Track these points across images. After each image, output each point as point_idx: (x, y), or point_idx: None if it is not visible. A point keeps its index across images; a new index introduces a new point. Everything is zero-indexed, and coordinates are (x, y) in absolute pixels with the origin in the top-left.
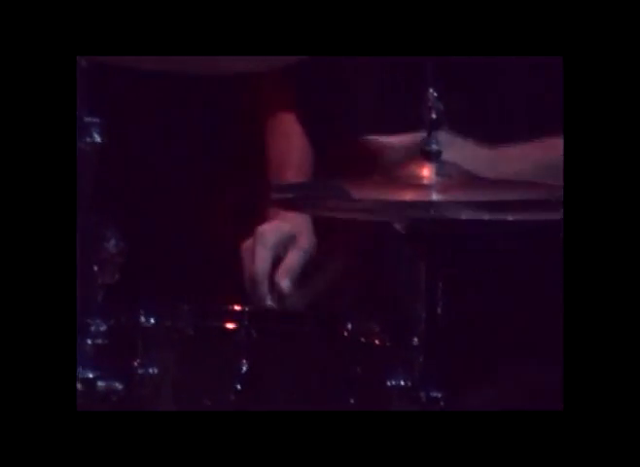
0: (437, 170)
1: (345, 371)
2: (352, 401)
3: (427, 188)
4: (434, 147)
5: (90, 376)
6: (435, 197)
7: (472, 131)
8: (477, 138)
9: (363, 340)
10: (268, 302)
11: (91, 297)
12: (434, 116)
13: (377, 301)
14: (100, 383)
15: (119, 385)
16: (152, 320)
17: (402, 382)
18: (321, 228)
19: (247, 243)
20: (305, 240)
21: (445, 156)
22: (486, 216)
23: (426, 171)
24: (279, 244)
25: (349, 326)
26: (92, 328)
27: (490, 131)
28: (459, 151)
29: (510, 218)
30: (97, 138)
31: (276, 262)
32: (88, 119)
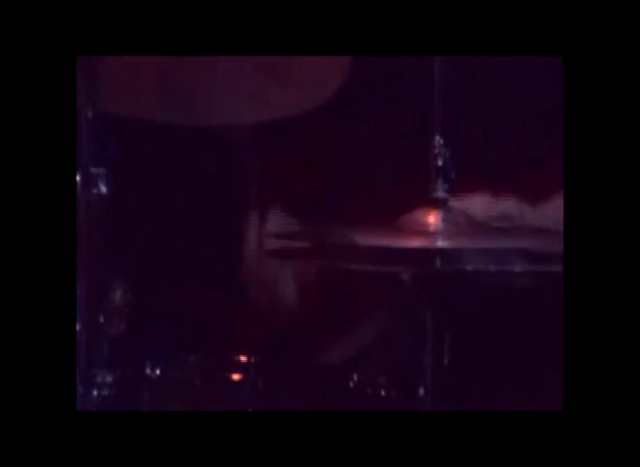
0: (443, 217)
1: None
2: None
3: (433, 235)
4: (440, 194)
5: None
6: (441, 243)
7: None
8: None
9: (369, 390)
10: None
11: (97, 347)
12: (440, 163)
13: (384, 351)
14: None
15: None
16: (157, 371)
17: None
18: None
19: None
20: None
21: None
22: (493, 267)
23: (432, 218)
24: None
25: (355, 377)
26: (99, 378)
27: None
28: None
29: (517, 269)
30: (103, 189)
31: None
32: (93, 170)
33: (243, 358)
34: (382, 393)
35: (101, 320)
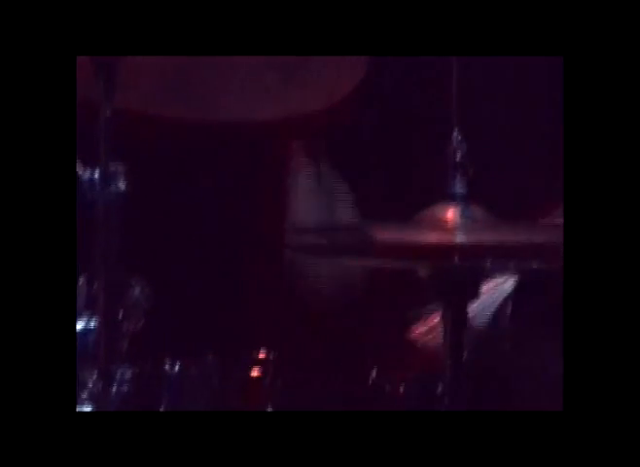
0: (461, 213)
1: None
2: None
3: (452, 230)
4: (458, 189)
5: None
6: (459, 239)
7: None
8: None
9: (387, 387)
10: None
11: (116, 343)
12: (458, 158)
13: (401, 348)
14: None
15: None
16: (176, 367)
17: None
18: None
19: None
20: None
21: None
22: (511, 264)
23: (450, 214)
24: None
25: (374, 374)
26: (117, 375)
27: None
28: None
29: (535, 266)
30: (122, 186)
31: None
32: (112, 166)
33: (262, 355)
34: (401, 390)
35: (120, 317)
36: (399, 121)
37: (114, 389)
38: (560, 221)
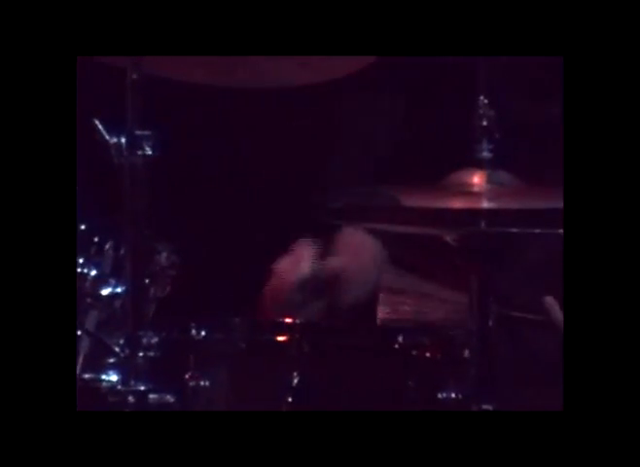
0: (488, 178)
1: (397, 383)
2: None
3: (478, 196)
4: (485, 154)
5: (143, 388)
6: (486, 204)
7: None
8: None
9: (414, 352)
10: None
11: (143, 309)
12: (485, 123)
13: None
14: (152, 396)
15: (170, 398)
16: (203, 333)
17: (453, 395)
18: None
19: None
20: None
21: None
22: (537, 230)
23: (477, 179)
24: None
25: (400, 339)
26: (144, 340)
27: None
28: None
29: (560, 231)
30: (149, 151)
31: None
32: (139, 132)
33: (288, 320)
34: (427, 355)
35: (147, 282)
36: (424, 86)
37: (140, 355)
38: None
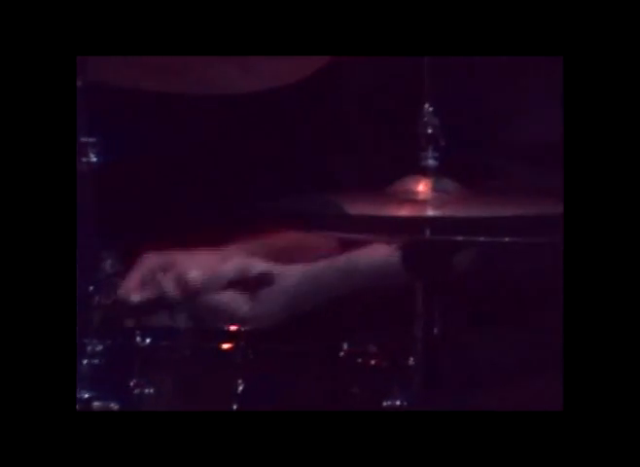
0: (433, 186)
1: (341, 392)
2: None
3: (423, 204)
4: (430, 162)
5: (87, 396)
6: (431, 212)
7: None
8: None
9: (359, 360)
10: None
11: (88, 317)
12: (430, 131)
13: (374, 321)
14: (97, 403)
15: (115, 405)
16: (147, 340)
17: (398, 403)
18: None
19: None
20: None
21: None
22: (482, 238)
23: (422, 187)
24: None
25: (345, 346)
26: (89, 348)
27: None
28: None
29: (506, 239)
30: (94, 158)
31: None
32: (84, 139)
33: (233, 327)
34: (372, 363)
35: (91, 289)
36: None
37: (84, 362)
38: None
